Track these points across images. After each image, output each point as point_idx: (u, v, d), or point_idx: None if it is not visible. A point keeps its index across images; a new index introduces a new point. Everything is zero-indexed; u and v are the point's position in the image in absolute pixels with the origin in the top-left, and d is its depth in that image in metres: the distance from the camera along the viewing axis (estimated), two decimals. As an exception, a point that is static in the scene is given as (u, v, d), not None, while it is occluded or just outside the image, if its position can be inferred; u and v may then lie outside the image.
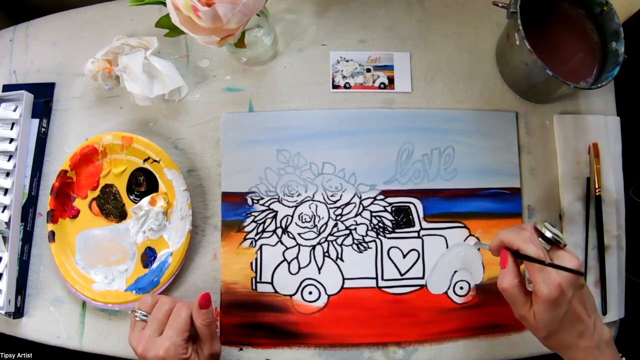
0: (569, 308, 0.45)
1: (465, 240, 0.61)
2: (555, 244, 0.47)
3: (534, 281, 0.45)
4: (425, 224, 0.61)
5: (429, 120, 0.63)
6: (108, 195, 0.61)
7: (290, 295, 0.59)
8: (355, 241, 0.60)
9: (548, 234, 0.46)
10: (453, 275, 0.60)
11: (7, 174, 0.61)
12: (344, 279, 0.60)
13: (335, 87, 0.64)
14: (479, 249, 0.61)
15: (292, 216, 0.61)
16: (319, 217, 0.61)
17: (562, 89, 0.58)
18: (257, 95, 0.64)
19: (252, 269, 0.60)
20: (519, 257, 0.46)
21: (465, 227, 0.61)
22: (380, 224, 0.61)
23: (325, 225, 0.61)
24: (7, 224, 0.59)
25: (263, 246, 0.60)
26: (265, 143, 0.62)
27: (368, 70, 0.64)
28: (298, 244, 0.60)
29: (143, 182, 0.61)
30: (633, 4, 0.65)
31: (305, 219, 0.61)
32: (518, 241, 0.46)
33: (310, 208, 0.61)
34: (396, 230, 0.61)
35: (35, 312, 0.61)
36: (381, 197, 0.61)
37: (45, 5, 0.71)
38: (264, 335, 0.59)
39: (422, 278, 0.60)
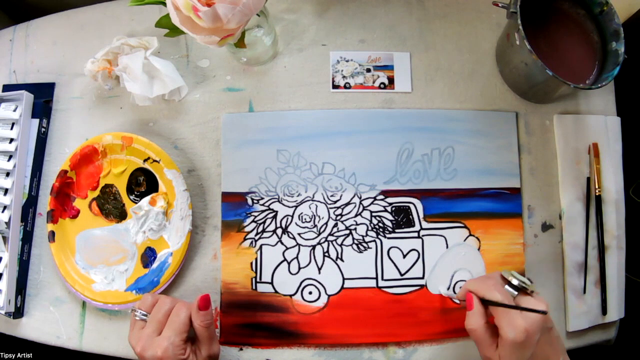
0: (536, 351, 0.45)
1: (465, 241, 0.61)
2: (522, 290, 0.48)
3: (499, 325, 0.46)
4: (425, 224, 0.61)
5: (429, 120, 0.63)
6: (108, 195, 0.61)
7: (290, 295, 0.59)
8: (355, 241, 0.60)
9: (514, 281, 0.48)
10: (453, 275, 0.60)
11: (7, 174, 0.61)
12: (344, 279, 0.60)
13: (335, 87, 0.64)
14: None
15: (292, 216, 0.61)
16: (319, 217, 0.61)
17: (562, 89, 0.58)
18: (257, 95, 0.64)
19: (252, 269, 0.60)
20: (485, 302, 0.48)
21: (465, 227, 0.61)
22: (380, 224, 0.61)
23: (325, 225, 0.61)
24: (7, 224, 0.59)
25: (263, 246, 0.60)
26: (265, 143, 0.62)
27: (368, 70, 0.64)
28: (298, 244, 0.60)
29: (143, 182, 0.61)
30: (633, 4, 0.65)
31: (305, 219, 0.61)
32: (483, 289, 0.48)
33: (310, 208, 0.61)
34: (396, 230, 0.61)
35: (35, 312, 0.61)
36: (381, 197, 0.61)
37: (45, 5, 0.71)
38: (264, 335, 0.59)
39: (422, 278, 0.60)
